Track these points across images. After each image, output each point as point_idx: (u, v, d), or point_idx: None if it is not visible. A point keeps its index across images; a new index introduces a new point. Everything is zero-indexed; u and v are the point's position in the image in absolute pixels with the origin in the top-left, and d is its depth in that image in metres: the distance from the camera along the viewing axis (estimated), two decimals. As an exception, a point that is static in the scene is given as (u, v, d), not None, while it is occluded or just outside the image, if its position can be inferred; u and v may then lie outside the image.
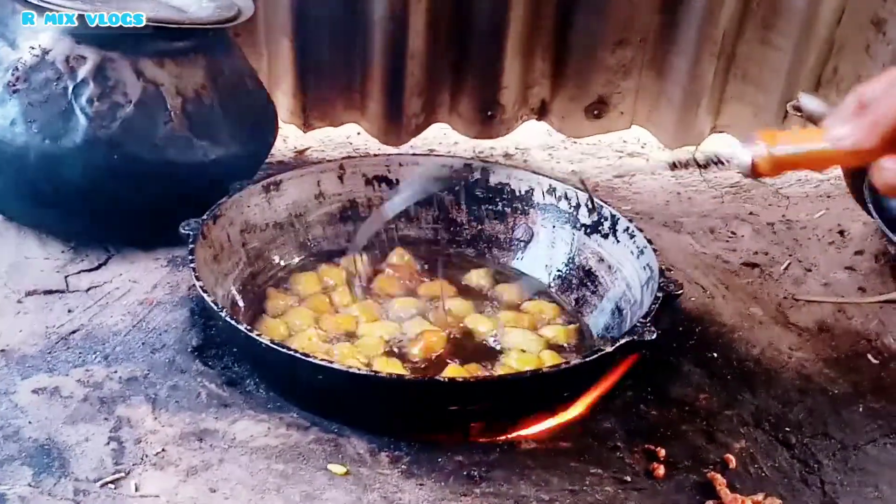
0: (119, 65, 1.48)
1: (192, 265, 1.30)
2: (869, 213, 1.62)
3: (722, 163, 1.04)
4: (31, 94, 1.45)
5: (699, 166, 1.05)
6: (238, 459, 1.18)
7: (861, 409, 1.39)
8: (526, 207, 1.65)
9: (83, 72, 1.46)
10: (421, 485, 1.17)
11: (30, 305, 1.47)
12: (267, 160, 1.81)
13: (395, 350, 1.41)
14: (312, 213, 1.61)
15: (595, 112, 2.21)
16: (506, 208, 1.66)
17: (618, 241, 1.50)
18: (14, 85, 1.45)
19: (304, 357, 1.14)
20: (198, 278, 1.27)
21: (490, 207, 1.67)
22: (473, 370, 1.35)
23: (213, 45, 1.61)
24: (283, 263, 1.56)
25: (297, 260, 1.58)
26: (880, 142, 0.88)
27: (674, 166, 1.07)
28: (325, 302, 1.49)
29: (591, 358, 1.18)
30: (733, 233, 1.91)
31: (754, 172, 0.97)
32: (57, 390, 1.28)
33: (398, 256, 1.61)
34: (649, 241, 1.43)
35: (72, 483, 1.13)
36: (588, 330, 1.50)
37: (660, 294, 1.29)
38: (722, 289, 1.65)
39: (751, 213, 2.00)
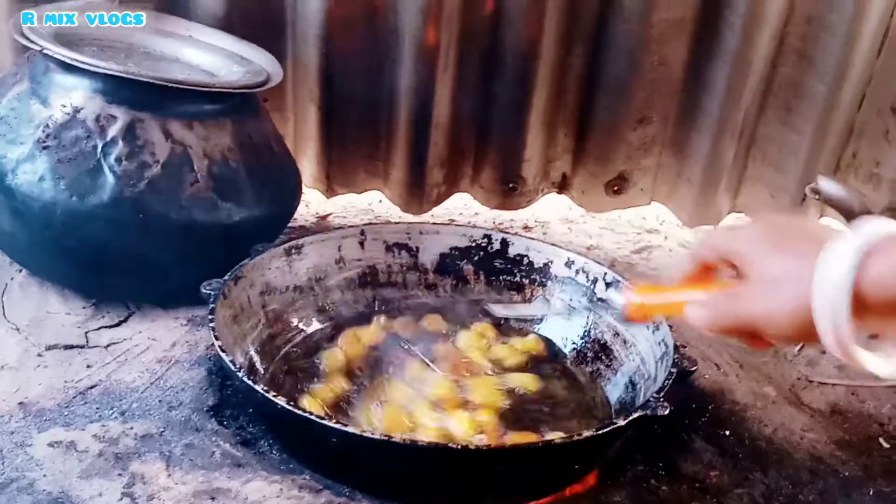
0: (148, 125, 1.50)
1: (211, 325, 1.31)
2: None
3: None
4: (61, 152, 1.46)
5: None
6: (249, 520, 1.19)
7: (871, 493, 1.37)
8: (544, 279, 1.66)
9: (113, 131, 1.48)
10: (430, 551, 1.18)
11: (49, 360, 1.48)
12: (289, 224, 1.83)
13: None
14: (332, 278, 1.63)
15: (615, 188, 2.23)
16: (524, 280, 1.68)
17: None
18: (44, 142, 1.47)
19: (318, 420, 1.15)
20: (217, 338, 1.28)
21: (508, 278, 1.69)
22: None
23: (241, 108, 1.64)
24: (301, 326, 1.57)
25: (315, 323, 1.59)
26: (738, 332, 0.89)
27: None
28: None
29: (603, 430, 1.18)
30: (749, 312, 1.91)
31: (626, 314, 1.05)
32: (73, 444, 1.28)
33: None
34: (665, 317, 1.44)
35: (84, 537, 1.14)
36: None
37: (674, 370, 1.29)
38: (736, 367, 1.65)
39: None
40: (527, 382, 1.50)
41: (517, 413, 1.42)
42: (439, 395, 1.40)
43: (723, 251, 0.91)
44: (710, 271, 0.96)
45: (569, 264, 1.63)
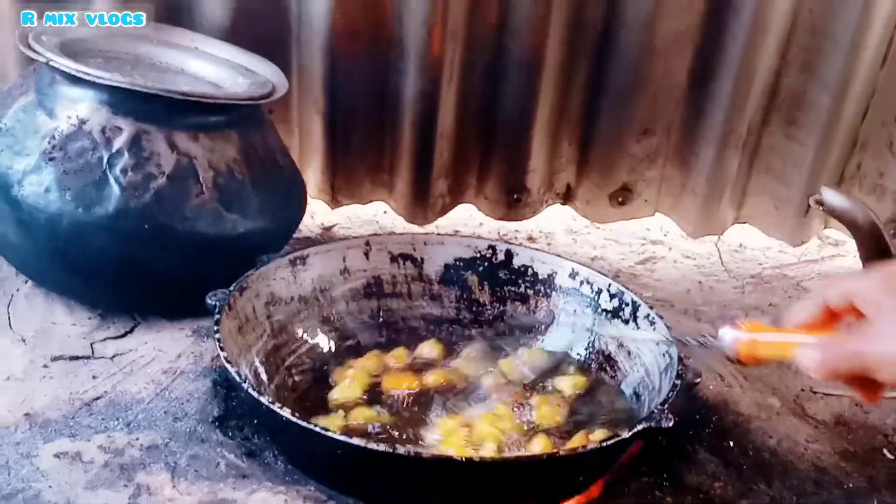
0: (154, 137, 1.51)
1: (216, 336, 1.31)
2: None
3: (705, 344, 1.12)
4: (67, 163, 1.47)
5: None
6: (254, 531, 1.19)
7: (876, 504, 1.38)
8: (548, 290, 1.66)
9: (119, 142, 1.48)
10: (434, 563, 1.18)
11: (55, 371, 1.48)
12: (294, 235, 1.83)
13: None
14: (337, 289, 1.62)
15: (619, 199, 2.23)
16: (528, 290, 1.68)
17: (638, 328, 1.51)
18: (50, 153, 1.47)
19: (323, 431, 1.15)
20: (222, 349, 1.28)
21: (513, 289, 1.69)
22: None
23: (246, 120, 1.64)
24: (306, 337, 1.56)
25: (319, 334, 1.59)
26: (851, 378, 0.89)
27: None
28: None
29: (607, 443, 1.18)
30: (753, 323, 1.91)
31: (735, 353, 1.04)
32: (78, 455, 1.28)
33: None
34: (669, 329, 1.44)
35: (89, 548, 1.14)
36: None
37: (678, 381, 1.29)
38: (740, 378, 1.65)
39: (771, 305, 2.00)
40: (576, 383, 1.52)
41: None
42: (507, 428, 1.39)
43: (848, 294, 0.90)
44: (832, 318, 0.95)
45: (573, 275, 1.63)
